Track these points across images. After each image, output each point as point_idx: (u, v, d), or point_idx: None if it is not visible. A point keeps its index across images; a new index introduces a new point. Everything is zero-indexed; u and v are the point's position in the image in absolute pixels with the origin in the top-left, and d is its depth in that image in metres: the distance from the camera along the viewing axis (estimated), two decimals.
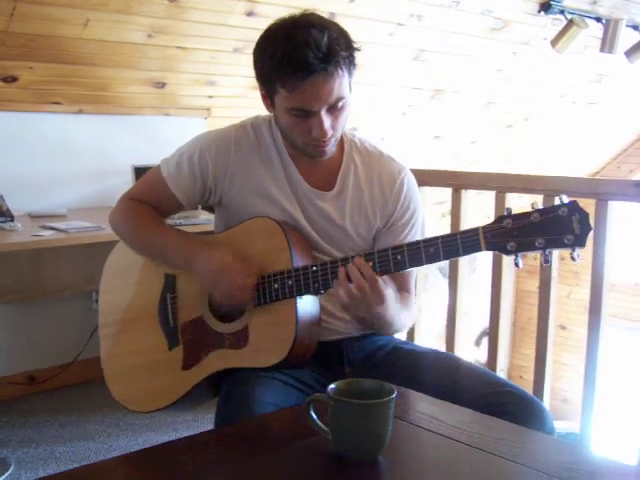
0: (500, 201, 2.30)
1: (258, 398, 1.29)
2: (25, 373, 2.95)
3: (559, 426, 1.43)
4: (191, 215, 2.76)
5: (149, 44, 2.90)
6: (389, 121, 4.33)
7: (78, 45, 2.73)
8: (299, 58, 1.29)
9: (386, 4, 3.43)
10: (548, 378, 2.26)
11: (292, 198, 1.49)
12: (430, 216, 1.70)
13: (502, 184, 2.32)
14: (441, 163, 4.71)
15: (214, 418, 1.34)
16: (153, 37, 2.88)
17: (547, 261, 1.20)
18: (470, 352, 5.78)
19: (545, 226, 1.18)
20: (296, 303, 1.38)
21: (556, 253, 1.21)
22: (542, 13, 4.05)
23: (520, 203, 2.22)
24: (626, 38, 4.25)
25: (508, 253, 1.21)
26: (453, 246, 1.25)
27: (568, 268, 5.55)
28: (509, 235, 1.21)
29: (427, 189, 2.44)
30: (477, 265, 5.37)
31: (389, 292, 1.34)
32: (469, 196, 2.44)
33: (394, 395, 0.99)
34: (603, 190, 2.09)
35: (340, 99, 1.36)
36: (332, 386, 1.02)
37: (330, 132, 1.38)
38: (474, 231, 1.24)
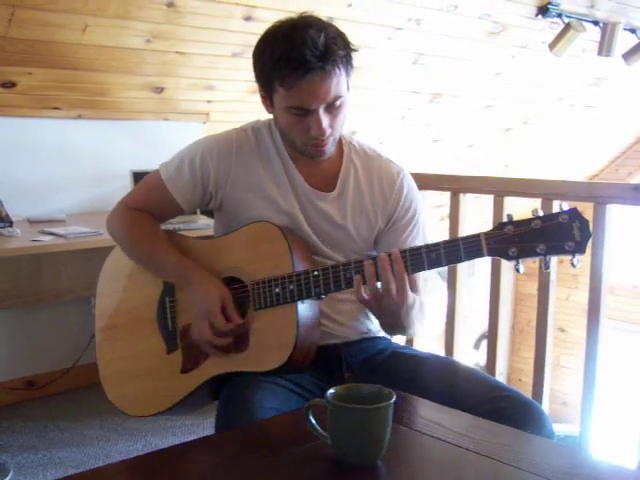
0: (498, 205, 2.31)
1: (258, 403, 1.29)
2: (24, 378, 2.94)
3: (558, 429, 1.44)
4: (190, 220, 2.76)
5: (148, 49, 2.91)
6: (388, 125, 4.33)
7: (77, 50, 2.74)
8: (297, 56, 1.31)
9: (384, 8, 3.44)
10: (547, 381, 2.26)
11: (293, 199, 1.49)
12: (429, 219, 1.70)
13: (501, 188, 2.33)
14: (440, 167, 4.71)
15: (214, 422, 1.34)
16: (152, 42, 2.88)
17: (547, 267, 1.21)
18: (469, 355, 5.76)
19: (546, 233, 1.19)
20: (297, 308, 1.38)
21: (555, 257, 1.23)
22: (540, 17, 4.07)
23: (519, 206, 2.22)
24: (623, 41, 4.27)
25: (509, 259, 1.23)
26: (455, 252, 1.26)
27: (567, 271, 5.56)
28: (511, 241, 1.22)
29: (426, 192, 2.44)
30: (476, 268, 5.36)
31: (411, 294, 1.33)
32: (468, 200, 2.45)
33: (393, 400, 0.99)
34: (601, 193, 2.10)
35: (338, 98, 1.37)
36: (331, 391, 1.02)
37: (328, 131, 1.39)
38: (476, 237, 1.25)
